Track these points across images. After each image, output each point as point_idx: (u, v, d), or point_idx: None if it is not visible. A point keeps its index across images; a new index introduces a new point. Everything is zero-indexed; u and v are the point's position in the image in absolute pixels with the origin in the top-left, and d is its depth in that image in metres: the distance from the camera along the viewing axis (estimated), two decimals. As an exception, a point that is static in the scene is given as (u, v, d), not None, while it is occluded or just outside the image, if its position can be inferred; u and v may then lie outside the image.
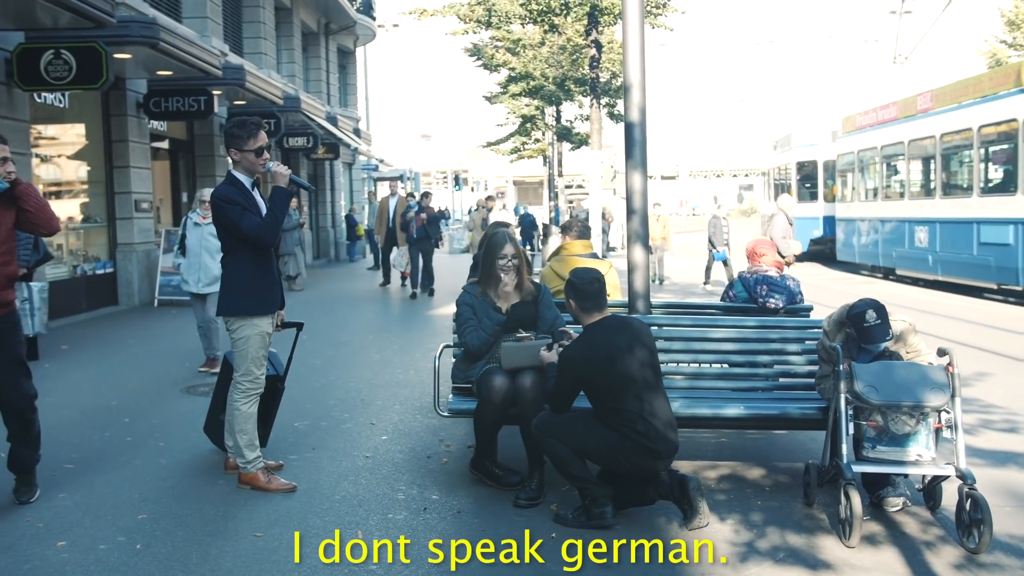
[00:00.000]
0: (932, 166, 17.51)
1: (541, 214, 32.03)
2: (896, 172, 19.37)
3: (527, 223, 26.21)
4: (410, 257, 16.54)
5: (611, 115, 21.82)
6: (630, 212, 6.44)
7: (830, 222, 23.39)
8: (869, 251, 20.41)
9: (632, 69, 6.32)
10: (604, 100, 20.90)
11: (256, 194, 5.26)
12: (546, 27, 16.66)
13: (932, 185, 17.48)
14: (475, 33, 18.17)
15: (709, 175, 67.33)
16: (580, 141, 23.59)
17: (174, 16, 16.53)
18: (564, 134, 23.44)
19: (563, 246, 7.12)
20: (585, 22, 15.80)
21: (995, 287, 15.81)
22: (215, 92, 15.73)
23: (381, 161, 31.87)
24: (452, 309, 14.71)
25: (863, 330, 4.93)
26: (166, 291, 15.00)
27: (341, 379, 8.67)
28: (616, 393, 4.66)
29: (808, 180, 24.45)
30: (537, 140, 24.66)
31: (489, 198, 21.99)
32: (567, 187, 26.33)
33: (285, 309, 5.63)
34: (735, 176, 67.59)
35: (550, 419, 4.88)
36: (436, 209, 19.80)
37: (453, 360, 5.77)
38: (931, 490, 4.99)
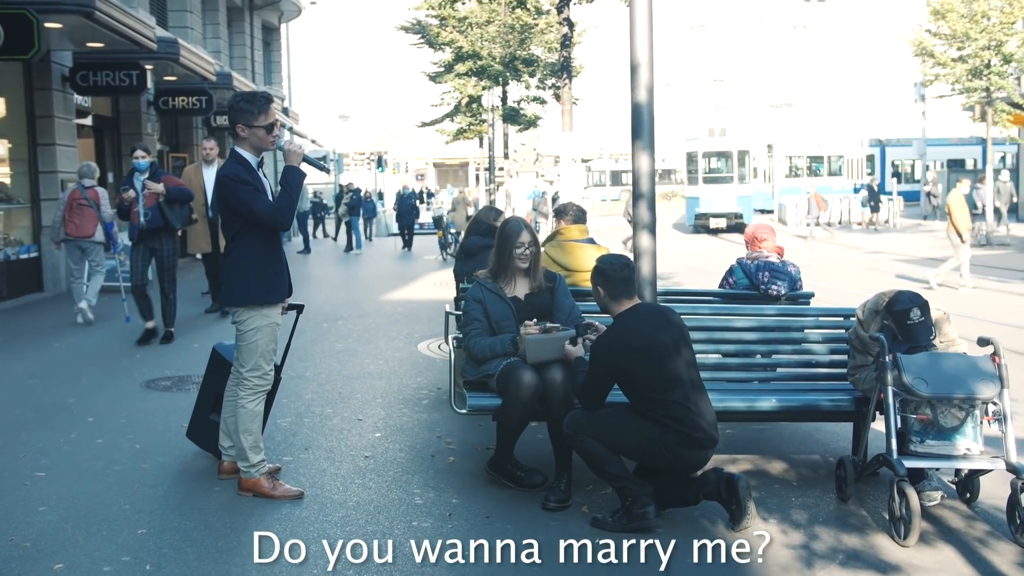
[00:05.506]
0: (699, 167, 31.73)
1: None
2: (693, 168, 32.84)
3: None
4: (133, 262, 9.41)
5: (557, 96, 21.45)
6: (636, 197, 6.16)
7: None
8: (688, 213, 33.71)
9: (639, 47, 5.99)
10: (550, 81, 20.54)
11: (261, 174, 4.81)
12: (513, 3, 16.11)
13: (699, 177, 31.63)
14: (441, 8, 17.48)
15: (630, 157, 67.49)
16: (528, 123, 23.13)
17: (97, -16, 15.55)
18: (511, 115, 22.93)
19: (559, 231, 6.79)
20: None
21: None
22: (147, 67, 14.90)
23: (313, 141, 30.86)
24: (402, 295, 14.41)
25: (906, 328, 4.76)
26: (97, 277, 14.14)
27: (310, 370, 8.21)
28: (656, 382, 4.40)
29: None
30: (483, 120, 24.07)
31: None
32: (500, 169, 25.79)
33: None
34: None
35: (582, 416, 4.60)
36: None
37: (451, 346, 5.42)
38: (967, 483, 4.88)
